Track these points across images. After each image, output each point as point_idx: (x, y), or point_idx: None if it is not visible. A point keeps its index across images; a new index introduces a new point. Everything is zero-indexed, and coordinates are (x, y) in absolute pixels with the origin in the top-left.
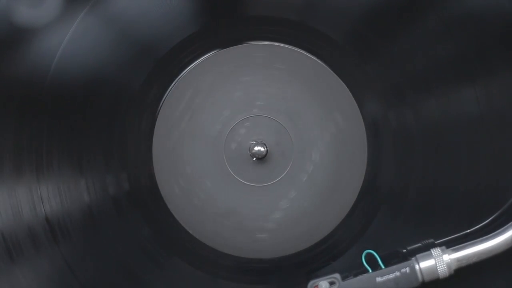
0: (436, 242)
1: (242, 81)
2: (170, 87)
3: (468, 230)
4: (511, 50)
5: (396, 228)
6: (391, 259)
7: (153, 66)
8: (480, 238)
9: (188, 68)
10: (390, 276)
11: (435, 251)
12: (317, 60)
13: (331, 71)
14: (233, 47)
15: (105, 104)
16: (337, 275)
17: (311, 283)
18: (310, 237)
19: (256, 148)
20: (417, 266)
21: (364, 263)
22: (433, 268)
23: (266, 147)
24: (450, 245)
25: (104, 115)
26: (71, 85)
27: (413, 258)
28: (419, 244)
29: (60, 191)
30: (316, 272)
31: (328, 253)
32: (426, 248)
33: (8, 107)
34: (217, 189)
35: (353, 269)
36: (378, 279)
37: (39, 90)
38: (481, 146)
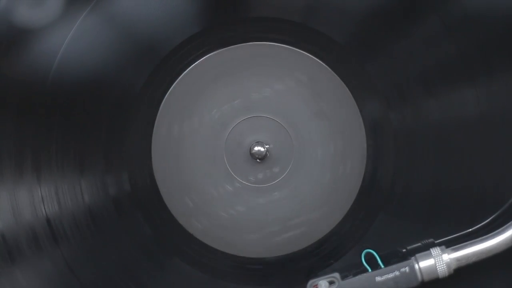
0: (435, 242)
1: (243, 82)
2: (171, 87)
3: (468, 230)
4: (511, 50)
5: (396, 228)
6: (391, 259)
7: (154, 67)
8: (480, 238)
9: (188, 69)
10: (389, 276)
11: (435, 251)
12: (317, 60)
13: (332, 71)
14: (233, 47)
15: (106, 105)
16: (336, 275)
17: (310, 282)
18: (310, 237)
19: (256, 148)
20: (416, 266)
21: (364, 262)
22: (433, 268)
23: (266, 148)
24: (450, 244)
25: (105, 115)
26: (72, 85)
27: (413, 258)
28: (419, 244)
29: (61, 192)
30: (316, 271)
31: (328, 253)
32: (426, 247)
33: (9, 107)
34: (217, 189)
35: (353, 269)
36: (378, 279)
37: (40, 91)
38: (482, 146)
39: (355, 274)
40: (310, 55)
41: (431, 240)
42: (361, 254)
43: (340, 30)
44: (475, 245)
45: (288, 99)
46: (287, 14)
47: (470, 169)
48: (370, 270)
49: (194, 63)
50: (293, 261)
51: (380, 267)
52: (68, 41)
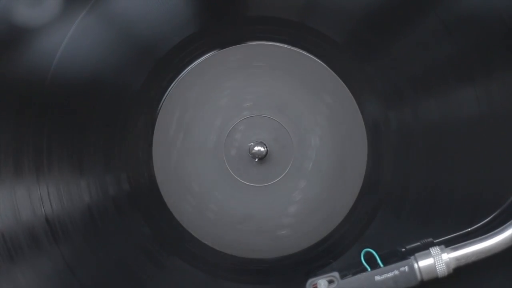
0: (435, 241)
1: (242, 82)
2: (170, 87)
3: (467, 229)
4: (511, 50)
5: (396, 228)
6: (390, 258)
7: (153, 66)
8: (479, 237)
9: (188, 68)
10: (389, 275)
11: (434, 250)
12: (317, 60)
13: (331, 71)
14: (233, 47)
15: (105, 104)
16: (335, 274)
17: (309, 281)
18: (310, 236)
19: (256, 148)
20: (416, 265)
21: (363, 261)
22: (432, 267)
23: (266, 147)
24: (449, 244)
25: (104, 115)
26: (71, 84)
27: (412, 257)
28: (418, 243)
29: (60, 192)
30: (316, 271)
31: (328, 252)
32: (425, 247)
33: (8, 107)
34: (217, 189)
35: (352, 268)
36: (377, 278)
37: (39, 90)
38: (481, 145)
39: (354, 274)
40: (309, 55)
41: (430, 239)
42: (360, 253)
43: (339, 29)
44: (475, 244)
45: (288, 98)
46: (286, 14)
47: (469, 168)
48: (369, 270)
49: (193, 62)
50: (293, 261)
51: (380, 267)
52: (67, 41)
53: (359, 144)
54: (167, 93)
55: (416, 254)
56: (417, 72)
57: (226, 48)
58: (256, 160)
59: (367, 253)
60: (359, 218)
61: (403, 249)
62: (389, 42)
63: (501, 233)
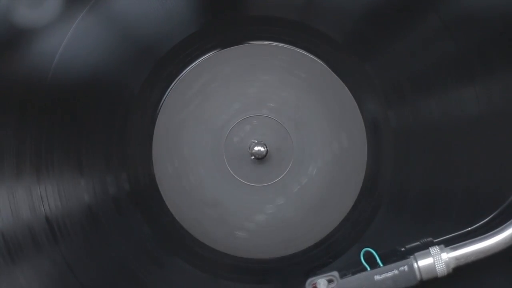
0: (434, 241)
1: (242, 82)
2: (170, 87)
3: (467, 229)
4: (511, 49)
5: (396, 228)
6: (390, 258)
7: (154, 66)
8: (479, 237)
9: (188, 68)
10: (388, 274)
11: (434, 250)
12: (317, 60)
13: (331, 71)
14: (233, 47)
15: (105, 104)
16: (335, 273)
17: (309, 281)
18: (310, 237)
19: (256, 148)
20: (415, 265)
21: (363, 261)
22: (432, 267)
23: (266, 147)
24: (449, 243)
25: (104, 115)
26: (72, 85)
27: (412, 257)
28: (418, 243)
29: (60, 191)
30: (316, 271)
31: (328, 253)
32: (425, 246)
33: (8, 107)
34: (217, 189)
35: (352, 267)
36: (376, 277)
37: (39, 90)
38: (481, 145)
39: (354, 273)
40: (309, 55)
41: (430, 239)
42: (360, 253)
43: (339, 29)
44: (474, 244)
45: (288, 98)
46: (286, 13)
47: (469, 168)
48: (369, 269)
49: (194, 62)
50: (292, 261)
51: (379, 266)
52: (67, 41)
53: (359, 144)
54: (167, 93)
55: (416, 254)
56: (417, 71)
57: (226, 48)
58: (256, 160)
59: (367, 252)
60: (359, 217)
61: (403, 249)
62: (389, 41)
63: (501, 233)
